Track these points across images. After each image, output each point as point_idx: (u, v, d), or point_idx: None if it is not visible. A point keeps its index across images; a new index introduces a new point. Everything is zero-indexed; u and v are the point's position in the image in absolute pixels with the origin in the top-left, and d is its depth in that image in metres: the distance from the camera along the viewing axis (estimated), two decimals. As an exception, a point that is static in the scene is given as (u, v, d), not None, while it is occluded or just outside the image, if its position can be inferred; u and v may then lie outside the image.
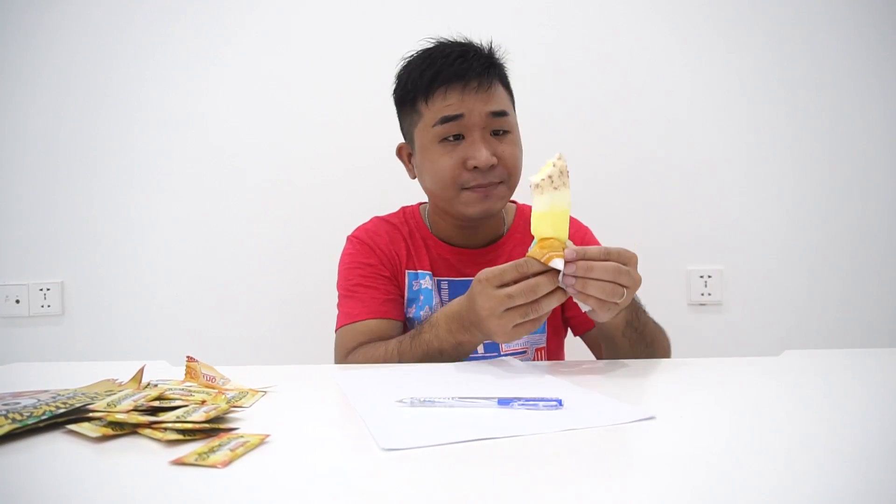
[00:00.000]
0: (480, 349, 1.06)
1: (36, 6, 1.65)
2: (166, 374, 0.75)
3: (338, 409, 0.68)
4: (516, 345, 1.09)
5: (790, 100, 1.63)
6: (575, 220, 1.19)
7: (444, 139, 1.02)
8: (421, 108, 1.04)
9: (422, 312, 1.09)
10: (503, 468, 0.46)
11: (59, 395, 0.61)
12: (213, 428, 0.54)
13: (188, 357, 0.72)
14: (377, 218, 1.18)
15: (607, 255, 0.77)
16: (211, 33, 1.66)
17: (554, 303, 0.78)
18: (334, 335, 1.09)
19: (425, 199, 1.19)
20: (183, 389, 0.66)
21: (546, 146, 1.59)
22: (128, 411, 0.55)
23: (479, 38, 1.09)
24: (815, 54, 1.62)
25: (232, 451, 0.48)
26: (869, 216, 1.63)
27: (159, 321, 1.67)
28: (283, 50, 1.66)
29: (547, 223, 0.78)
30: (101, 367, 0.78)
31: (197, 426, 0.53)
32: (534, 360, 1.11)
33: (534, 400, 0.60)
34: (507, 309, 0.77)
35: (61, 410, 0.56)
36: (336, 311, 1.11)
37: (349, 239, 1.16)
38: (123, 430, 0.54)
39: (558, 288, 0.77)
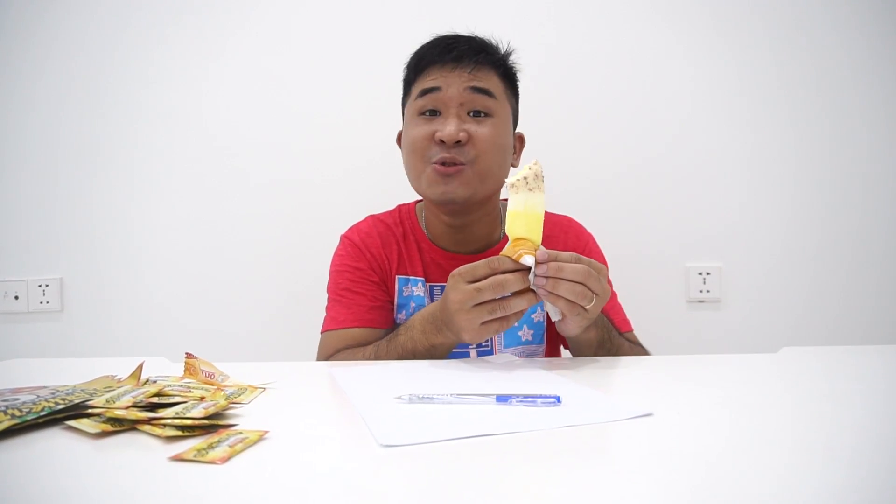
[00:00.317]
0: (473, 353, 1.05)
1: (36, 4, 1.64)
2: (165, 371, 0.75)
3: (336, 405, 0.68)
4: (511, 353, 1.06)
5: (789, 97, 1.63)
6: (579, 225, 1.18)
7: (422, 113, 1.03)
8: (412, 89, 1.06)
9: None
10: (501, 464, 0.46)
11: (58, 391, 0.61)
12: (211, 424, 0.54)
13: (187, 353, 0.72)
14: (372, 217, 1.16)
15: (578, 260, 0.78)
16: (211, 32, 1.66)
17: (524, 304, 0.79)
18: (320, 336, 1.09)
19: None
20: (182, 386, 0.66)
21: (546, 145, 1.60)
22: (127, 407, 0.55)
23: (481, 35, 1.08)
24: (814, 50, 1.62)
25: (231, 447, 0.48)
26: (867, 213, 1.63)
27: (158, 317, 1.67)
28: (283, 49, 1.66)
29: (521, 223, 0.79)
30: (100, 364, 0.78)
31: (196, 422, 0.53)
32: None
33: (532, 397, 0.60)
34: (476, 305, 0.78)
35: (60, 406, 0.56)
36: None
37: (342, 239, 1.15)
38: (122, 426, 0.54)
39: (530, 290, 0.78)
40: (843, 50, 1.61)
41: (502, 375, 0.77)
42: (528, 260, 0.77)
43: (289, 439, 0.53)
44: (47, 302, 1.66)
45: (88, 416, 0.55)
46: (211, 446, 0.48)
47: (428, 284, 1.10)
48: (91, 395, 0.60)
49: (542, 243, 0.81)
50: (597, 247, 1.18)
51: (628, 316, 1.15)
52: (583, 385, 0.69)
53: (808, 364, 0.85)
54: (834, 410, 0.60)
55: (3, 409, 0.54)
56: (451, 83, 1.00)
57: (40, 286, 1.66)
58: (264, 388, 0.70)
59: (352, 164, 1.65)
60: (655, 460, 0.46)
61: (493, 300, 0.78)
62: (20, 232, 1.67)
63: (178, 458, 0.46)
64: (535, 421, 0.55)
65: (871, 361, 0.85)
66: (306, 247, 1.64)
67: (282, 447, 0.50)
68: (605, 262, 1.15)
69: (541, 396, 0.60)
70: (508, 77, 1.08)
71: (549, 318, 1.10)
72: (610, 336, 0.96)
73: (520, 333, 1.08)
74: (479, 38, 1.06)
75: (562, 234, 1.13)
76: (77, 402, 0.57)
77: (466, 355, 1.03)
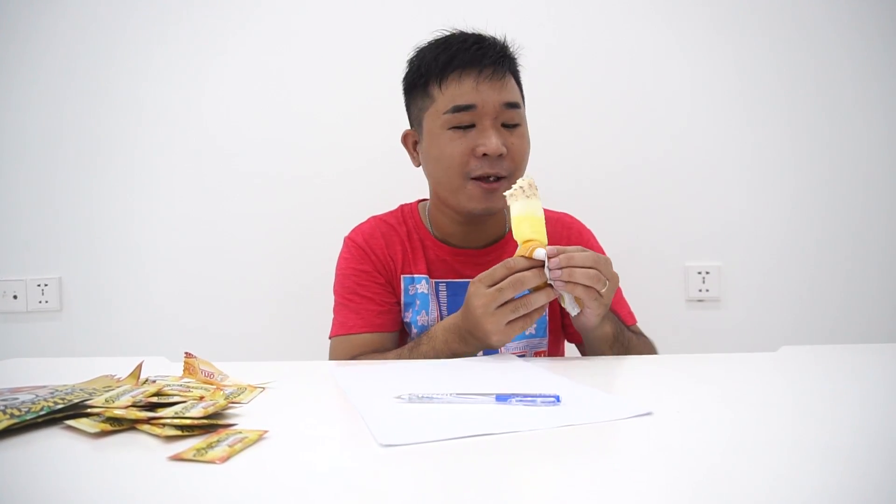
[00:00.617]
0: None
1: (35, 4, 1.64)
2: (164, 370, 0.75)
3: (336, 405, 0.68)
4: (516, 347, 1.08)
5: (789, 97, 1.63)
6: (578, 221, 1.19)
7: (455, 127, 1.01)
8: (433, 92, 1.03)
9: (418, 317, 1.08)
10: (501, 464, 0.46)
11: (57, 390, 0.61)
12: (211, 424, 0.54)
13: (186, 353, 0.72)
14: (374, 218, 1.17)
15: (584, 250, 0.83)
16: (212, 31, 1.66)
17: (543, 298, 0.83)
18: (329, 341, 1.10)
19: (423, 196, 1.19)
20: (181, 385, 0.66)
21: (546, 144, 1.60)
22: (126, 407, 0.55)
23: (487, 33, 1.08)
24: (813, 50, 1.62)
25: (230, 446, 0.48)
26: (866, 213, 1.63)
27: (157, 317, 1.67)
28: (284, 48, 1.66)
29: (526, 225, 0.85)
30: (100, 363, 0.78)
31: (195, 422, 0.53)
32: None
33: (531, 396, 0.60)
34: (500, 306, 0.82)
35: (59, 406, 0.56)
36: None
37: (345, 241, 1.15)
38: (122, 425, 0.54)
39: (548, 285, 0.82)
40: (842, 50, 1.61)
41: (502, 375, 0.77)
42: (540, 253, 0.81)
43: (288, 439, 0.52)
44: (46, 301, 1.66)
45: (87, 415, 0.55)
46: (210, 446, 0.48)
47: (433, 281, 1.10)
48: (90, 394, 0.59)
49: None
50: (597, 243, 1.19)
51: (629, 313, 1.15)
52: (582, 384, 0.69)
53: (807, 363, 0.85)
54: (833, 409, 0.60)
55: (2, 408, 0.54)
56: (486, 99, 1.00)
57: (39, 285, 1.66)
58: (263, 388, 0.70)
59: (352, 163, 1.65)
60: (655, 459, 0.46)
61: (515, 299, 0.82)
62: (19, 231, 1.67)
63: (178, 458, 0.46)
64: (534, 420, 0.55)
65: (871, 360, 0.85)
66: (306, 246, 1.64)
67: (281, 447, 0.50)
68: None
69: (540, 396, 0.60)
70: (518, 75, 1.10)
71: (552, 313, 1.11)
72: (622, 330, 0.98)
73: None
74: (498, 42, 1.05)
75: (563, 230, 1.15)
76: (76, 401, 0.57)
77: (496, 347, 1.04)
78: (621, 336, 0.96)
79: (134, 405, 0.56)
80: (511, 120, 1.02)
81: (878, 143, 1.62)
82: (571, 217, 1.19)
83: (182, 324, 1.66)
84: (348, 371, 0.82)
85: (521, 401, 0.60)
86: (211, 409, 0.55)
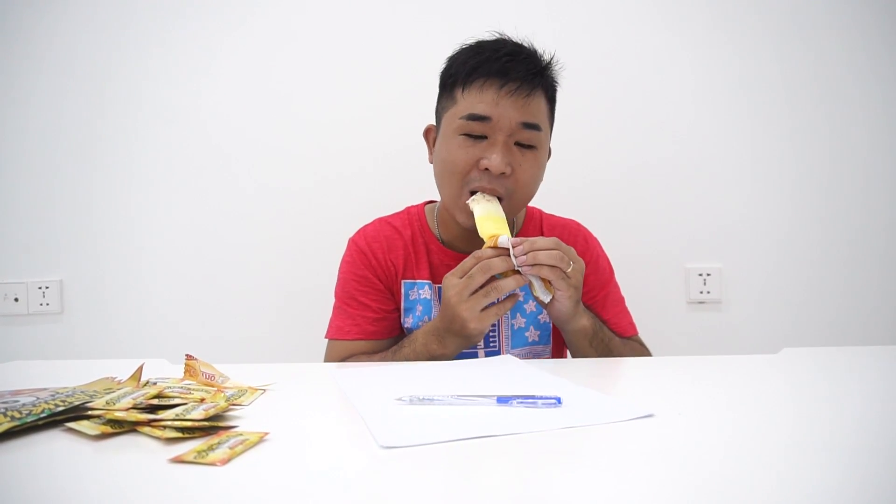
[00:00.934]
0: (482, 353, 1.06)
1: (36, 4, 1.64)
2: (165, 372, 0.75)
3: (337, 407, 0.68)
4: (518, 354, 1.06)
5: (790, 99, 1.63)
6: (586, 230, 1.18)
7: (467, 134, 0.99)
8: (456, 94, 1.00)
9: (420, 322, 1.08)
10: (502, 466, 0.46)
11: (58, 393, 0.61)
12: (212, 426, 0.54)
13: (187, 355, 0.72)
14: (379, 220, 1.16)
15: (546, 238, 0.87)
16: (213, 35, 1.66)
17: (512, 284, 0.87)
18: (325, 341, 1.12)
19: (426, 198, 1.19)
20: (182, 387, 0.66)
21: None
22: (127, 409, 0.55)
23: (538, 46, 1.05)
24: (814, 53, 1.62)
25: (231, 448, 0.48)
26: (868, 214, 1.63)
27: (158, 319, 1.66)
28: (286, 51, 1.66)
29: (489, 223, 0.92)
30: (100, 365, 0.78)
31: (196, 424, 0.53)
32: None
33: (533, 398, 0.60)
34: (472, 293, 0.86)
35: (60, 408, 0.56)
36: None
37: (349, 243, 1.15)
38: (122, 428, 0.54)
39: (516, 272, 0.87)
40: (843, 52, 1.61)
41: (503, 376, 0.77)
42: (503, 240, 0.87)
43: (289, 441, 0.52)
44: (47, 304, 1.66)
45: (88, 417, 0.55)
46: (211, 448, 0.48)
47: (436, 286, 1.09)
48: (91, 396, 0.59)
49: None
50: (603, 253, 1.18)
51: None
52: (583, 386, 0.69)
53: (808, 365, 0.85)
54: (834, 411, 0.60)
55: (2, 410, 0.54)
56: (503, 114, 0.96)
57: (40, 288, 1.66)
58: (264, 390, 0.70)
59: (355, 166, 1.65)
60: (656, 461, 0.46)
61: (486, 285, 0.87)
62: (20, 234, 1.67)
63: (178, 460, 0.46)
64: (535, 422, 0.54)
65: (872, 362, 0.85)
66: (307, 249, 1.64)
67: (282, 449, 0.50)
68: (609, 267, 1.17)
69: (541, 397, 0.60)
70: (553, 97, 1.06)
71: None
72: (601, 327, 0.99)
73: (526, 334, 1.09)
74: (535, 55, 1.02)
75: (570, 237, 1.13)
76: (77, 403, 0.57)
77: (475, 356, 1.04)
78: (600, 332, 0.98)
79: (135, 407, 0.56)
80: (527, 140, 0.99)
81: (880, 146, 1.62)
82: (578, 224, 1.18)
83: (183, 326, 1.66)
84: (349, 373, 0.82)
85: (522, 402, 0.60)
86: (212, 412, 0.55)
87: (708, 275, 1.64)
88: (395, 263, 1.10)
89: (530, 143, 0.99)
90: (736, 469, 0.44)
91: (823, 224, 1.63)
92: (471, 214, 0.98)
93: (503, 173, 0.97)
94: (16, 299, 1.66)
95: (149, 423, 0.54)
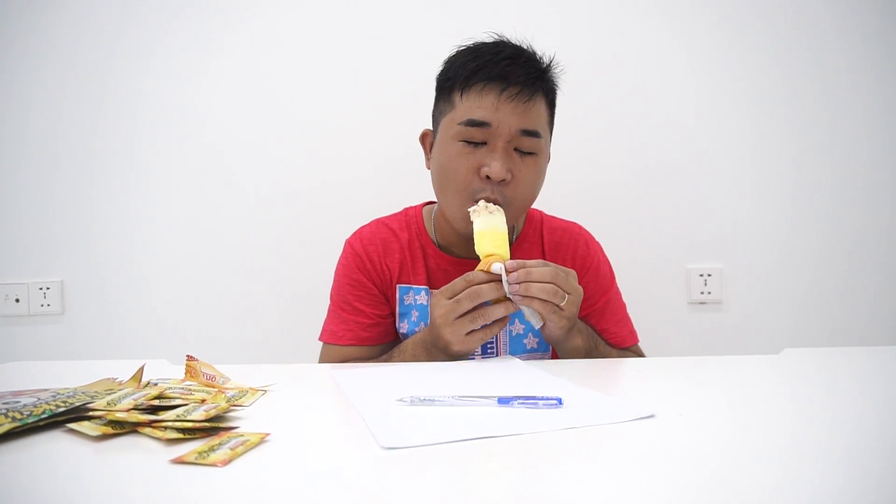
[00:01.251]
0: (478, 353, 1.06)
1: (35, 6, 1.65)
2: (166, 373, 0.75)
3: (338, 407, 0.68)
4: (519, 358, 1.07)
5: (790, 100, 1.63)
6: (588, 233, 1.17)
7: (466, 140, 0.97)
8: (455, 99, 0.98)
9: (416, 328, 1.08)
10: (503, 467, 0.46)
11: (59, 393, 0.61)
12: (213, 427, 0.54)
13: (188, 356, 0.72)
14: (376, 222, 1.15)
15: (545, 264, 0.84)
16: (212, 34, 1.66)
17: (501, 311, 0.85)
18: (320, 343, 1.12)
19: (426, 199, 1.19)
20: (183, 388, 0.66)
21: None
22: (128, 410, 0.55)
23: (538, 48, 1.03)
24: (815, 54, 1.62)
25: (232, 449, 0.48)
26: (869, 214, 1.63)
27: (159, 320, 1.67)
28: (286, 53, 1.66)
29: (487, 240, 0.88)
30: (101, 366, 0.78)
31: (197, 425, 0.53)
32: None
33: (533, 398, 0.60)
34: (459, 317, 0.84)
35: (61, 409, 0.56)
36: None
37: (346, 245, 1.14)
38: (123, 428, 0.54)
39: (507, 298, 0.85)
40: (844, 54, 1.61)
41: (504, 377, 0.77)
42: (496, 267, 0.84)
43: (290, 441, 0.52)
44: (48, 305, 1.66)
45: (89, 418, 0.55)
46: (212, 449, 0.48)
47: (433, 291, 1.08)
48: (92, 397, 0.59)
49: (550, 249, 0.86)
50: (605, 258, 1.17)
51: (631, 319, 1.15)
52: (584, 387, 0.69)
53: (809, 366, 0.84)
54: (835, 412, 0.60)
55: (3, 411, 0.54)
56: (504, 120, 0.95)
57: (41, 289, 1.66)
58: (265, 391, 0.70)
59: (355, 168, 1.65)
60: (657, 462, 0.46)
61: (474, 310, 0.85)
62: (21, 234, 1.67)
63: (179, 461, 0.46)
64: (536, 423, 0.54)
65: (873, 363, 0.85)
66: (307, 250, 1.64)
67: (283, 449, 0.50)
68: (611, 272, 1.16)
69: (542, 398, 0.60)
70: (553, 101, 1.05)
71: None
72: (596, 344, 0.99)
73: (525, 342, 1.08)
74: (535, 58, 1.00)
75: (570, 240, 1.13)
76: (78, 404, 0.57)
77: (472, 358, 1.04)
78: (595, 350, 0.97)
79: (136, 408, 0.56)
80: (527, 147, 0.97)
81: (880, 147, 1.62)
82: (581, 228, 1.17)
83: (184, 327, 1.66)
84: (350, 374, 0.82)
85: (523, 403, 0.60)
86: (213, 412, 0.55)
87: (709, 275, 1.64)
88: (390, 268, 1.09)
89: (530, 149, 0.98)
90: (737, 470, 0.44)
91: (824, 225, 1.63)
92: (472, 223, 0.95)
93: (503, 180, 0.96)
94: (17, 300, 1.66)
95: (150, 423, 0.54)
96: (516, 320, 1.07)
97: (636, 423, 0.55)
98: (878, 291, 1.62)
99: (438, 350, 0.89)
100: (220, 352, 1.61)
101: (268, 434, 0.52)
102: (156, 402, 0.59)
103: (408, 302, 1.09)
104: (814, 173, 1.63)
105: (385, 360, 1.00)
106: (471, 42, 1.03)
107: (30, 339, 1.67)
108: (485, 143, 0.97)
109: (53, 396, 0.60)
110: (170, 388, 0.65)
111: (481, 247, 0.88)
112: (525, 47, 1.02)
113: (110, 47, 1.66)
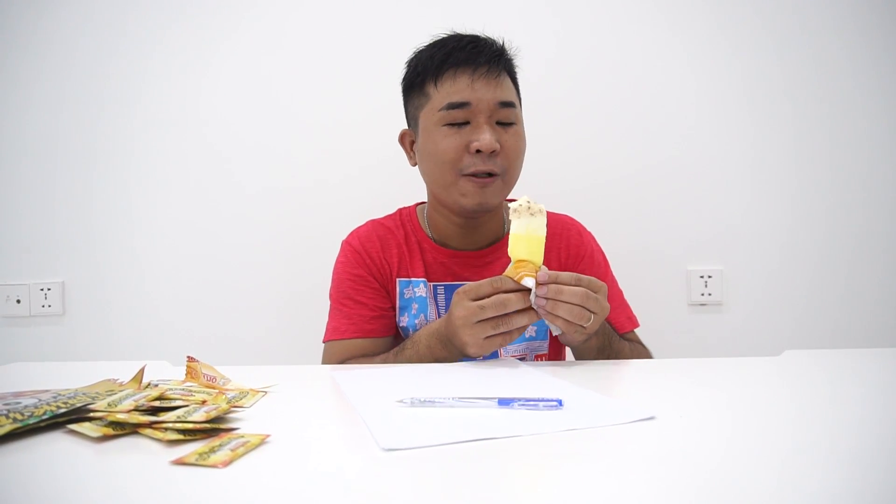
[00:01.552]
0: None
1: (35, 6, 1.65)
2: (167, 374, 0.75)
3: (338, 409, 0.68)
4: (516, 350, 1.08)
5: (791, 100, 1.63)
6: (579, 224, 1.19)
7: (449, 124, 1.02)
8: (429, 90, 1.04)
9: (416, 321, 1.09)
10: (503, 468, 0.46)
11: (59, 394, 0.61)
12: (213, 428, 0.54)
13: (189, 357, 0.72)
14: (371, 221, 1.17)
15: (578, 282, 0.82)
16: (211, 35, 1.66)
17: (524, 320, 0.83)
18: (322, 344, 1.11)
19: (421, 199, 1.19)
20: (183, 389, 0.66)
21: (548, 148, 1.60)
22: (128, 411, 0.55)
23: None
24: (817, 54, 1.62)
25: (232, 450, 0.48)
26: (870, 216, 1.63)
27: (160, 321, 1.67)
28: (284, 53, 1.66)
29: (522, 245, 0.84)
30: (102, 367, 0.78)
31: (197, 426, 0.53)
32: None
33: (534, 400, 0.60)
34: (480, 321, 0.82)
35: (62, 410, 0.56)
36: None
37: (342, 245, 1.15)
38: (124, 429, 0.54)
39: (530, 308, 0.83)
40: (844, 55, 1.61)
41: (504, 379, 0.77)
42: (529, 282, 0.81)
43: (290, 443, 0.52)
44: (49, 306, 1.66)
45: (90, 419, 0.55)
46: (213, 450, 0.48)
47: (431, 284, 1.10)
48: (93, 398, 0.59)
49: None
50: (597, 245, 1.19)
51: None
52: (585, 388, 0.69)
53: (810, 367, 0.84)
54: (836, 414, 0.59)
55: (4, 412, 0.54)
56: (481, 97, 1.00)
57: (42, 290, 1.66)
58: (266, 392, 0.70)
59: (352, 168, 1.65)
60: (658, 463, 0.46)
61: (496, 317, 0.82)
62: (22, 235, 1.67)
63: (180, 462, 0.46)
64: (536, 424, 0.54)
65: (873, 365, 0.85)
66: (307, 251, 1.64)
67: (283, 451, 0.50)
68: (605, 260, 1.17)
69: (543, 400, 0.60)
70: (515, 78, 1.10)
71: None
72: (610, 342, 0.99)
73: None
74: (494, 42, 1.06)
75: (563, 231, 1.15)
76: (79, 405, 0.57)
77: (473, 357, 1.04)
78: (607, 349, 0.98)
79: (136, 409, 0.56)
80: (506, 118, 1.03)
81: (881, 148, 1.62)
82: (572, 219, 1.20)
83: (184, 328, 1.66)
84: (350, 375, 0.82)
85: (523, 405, 0.60)
86: (213, 414, 0.55)
87: (709, 277, 1.64)
88: (389, 262, 1.11)
89: (509, 120, 1.03)
90: (737, 472, 0.44)
91: (825, 226, 1.63)
92: (469, 193, 1.01)
93: (494, 151, 1.00)
94: (17, 301, 1.66)
95: (150, 424, 0.54)
96: None
97: (637, 425, 0.55)
98: (879, 293, 1.62)
99: (454, 346, 0.89)
100: (221, 353, 1.61)
101: (268, 435, 0.52)
102: (156, 404, 0.59)
103: (408, 295, 1.10)
104: (814, 174, 1.63)
105: (396, 353, 0.99)
106: (424, 44, 1.09)
107: (31, 340, 1.67)
108: (467, 123, 1.02)
109: (54, 397, 0.60)
110: (170, 389, 0.65)
111: (515, 251, 0.85)
112: (478, 34, 1.08)
113: (110, 47, 1.66)
